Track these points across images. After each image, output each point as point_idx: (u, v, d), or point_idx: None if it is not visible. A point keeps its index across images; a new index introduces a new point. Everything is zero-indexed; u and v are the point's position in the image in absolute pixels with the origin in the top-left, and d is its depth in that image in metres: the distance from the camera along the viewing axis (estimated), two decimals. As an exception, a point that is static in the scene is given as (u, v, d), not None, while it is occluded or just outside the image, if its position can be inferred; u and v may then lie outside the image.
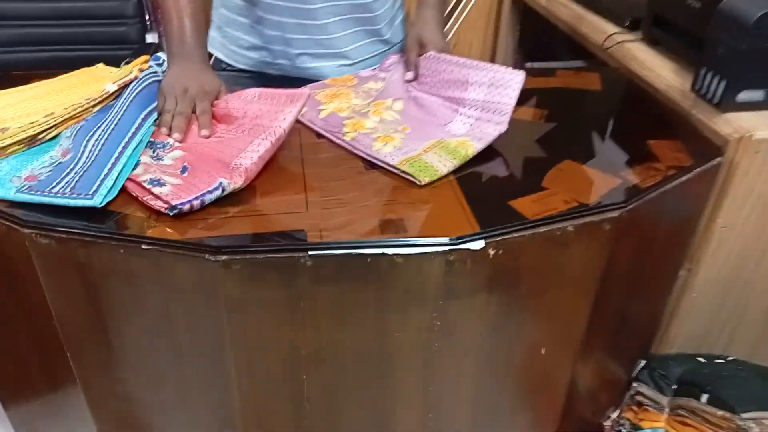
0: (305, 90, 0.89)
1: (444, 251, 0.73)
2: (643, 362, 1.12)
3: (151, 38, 1.73)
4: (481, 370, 0.88)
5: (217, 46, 1.18)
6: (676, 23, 1.16)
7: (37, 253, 0.76)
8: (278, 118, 0.86)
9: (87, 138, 0.85)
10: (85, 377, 0.88)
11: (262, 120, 0.87)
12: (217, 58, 1.19)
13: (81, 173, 0.79)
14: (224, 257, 0.71)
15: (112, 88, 0.93)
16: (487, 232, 0.74)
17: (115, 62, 1.68)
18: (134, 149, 0.82)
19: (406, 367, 0.84)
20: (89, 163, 0.81)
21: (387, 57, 1.15)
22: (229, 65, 1.18)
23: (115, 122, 0.86)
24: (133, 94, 0.90)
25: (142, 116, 0.87)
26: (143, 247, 0.72)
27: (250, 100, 0.91)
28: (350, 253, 0.72)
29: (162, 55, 0.98)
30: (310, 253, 0.71)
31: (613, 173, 0.87)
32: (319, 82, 1.10)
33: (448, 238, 0.73)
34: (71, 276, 0.77)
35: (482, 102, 0.94)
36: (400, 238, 0.73)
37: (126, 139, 0.83)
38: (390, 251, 0.72)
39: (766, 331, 1.15)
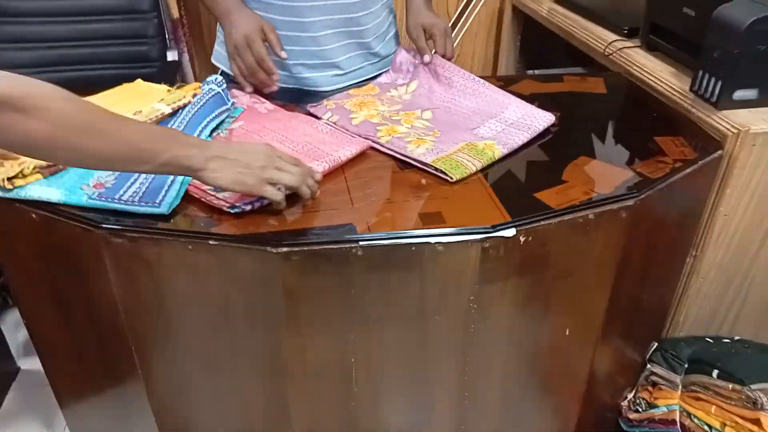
0: (366, 143, 1.00)
1: (480, 239, 0.81)
2: (655, 344, 1.20)
3: (171, 56, 1.81)
4: (511, 351, 0.96)
5: (222, 59, 1.26)
6: (673, 30, 1.25)
7: (109, 252, 0.83)
8: (338, 149, 0.96)
9: None
10: (148, 370, 0.96)
11: (321, 146, 0.97)
12: (222, 71, 1.28)
13: (147, 183, 0.86)
14: (284, 249, 0.78)
15: (167, 110, 1.00)
16: (518, 221, 0.82)
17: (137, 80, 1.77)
18: None
19: (445, 349, 0.91)
20: None
21: (396, 54, 1.24)
22: (234, 77, 1.26)
23: None
24: (194, 110, 0.98)
25: (201, 127, 0.95)
26: (211, 242, 0.80)
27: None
28: (397, 243, 0.80)
29: (210, 78, 1.06)
30: (360, 243, 0.79)
31: (626, 167, 0.95)
32: (342, 93, 1.18)
33: (483, 227, 0.81)
34: (140, 272, 0.84)
35: (513, 120, 1.05)
36: (440, 228, 0.81)
37: None
38: (432, 240, 0.80)
39: (768, 312, 1.23)
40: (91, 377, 1.07)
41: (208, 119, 0.98)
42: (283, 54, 1.09)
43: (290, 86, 1.21)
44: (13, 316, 1.74)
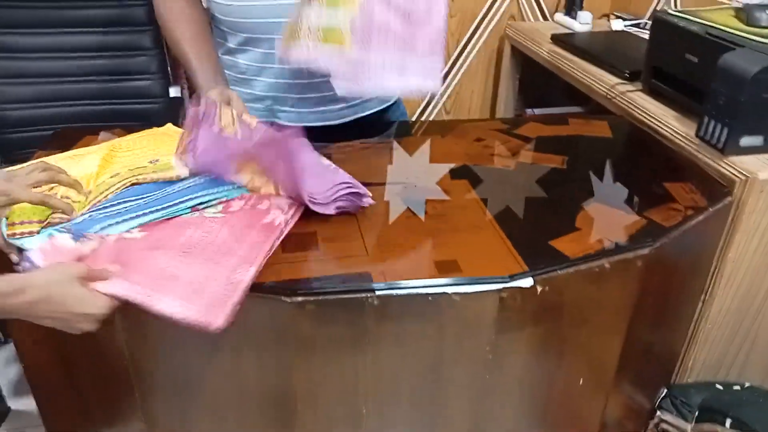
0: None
1: (497, 289, 0.80)
2: (665, 391, 1.18)
3: (174, 92, 1.81)
4: (524, 399, 0.94)
5: None
6: (676, 76, 1.27)
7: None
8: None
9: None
10: (151, 415, 0.93)
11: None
12: None
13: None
14: (300, 298, 0.77)
15: (184, 173, 0.96)
16: (535, 271, 0.82)
17: (140, 116, 1.77)
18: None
19: (458, 399, 0.90)
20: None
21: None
22: None
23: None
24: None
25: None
26: (223, 291, 0.78)
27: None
28: (414, 293, 0.79)
29: None
30: (377, 293, 0.78)
31: (638, 214, 0.95)
32: None
33: (500, 277, 0.80)
34: (148, 318, 0.82)
35: None
36: (457, 277, 0.80)
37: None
38: (449, 290, 0.79)
39: (777, 357, 1.23)
40: (90, 420, 1.04)
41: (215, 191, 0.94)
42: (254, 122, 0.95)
43: (293, 124, 1.21)
44: (4, 352, 1.70)
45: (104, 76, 1.76)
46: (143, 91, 1.77)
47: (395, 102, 1.32)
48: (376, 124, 1.29)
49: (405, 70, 0.98)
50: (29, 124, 1.74)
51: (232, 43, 1.16)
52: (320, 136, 1.16)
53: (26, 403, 1.10)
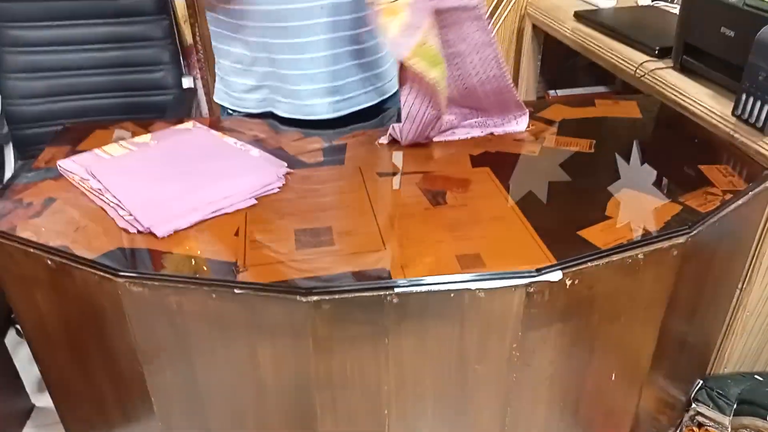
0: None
1: (524, 284, 0.76)
2: (700, 383, 1.13)
3: (187, 83, 1.78)
4: (554, 398, 0.90)
5: (222, 96, 1.22)
6: (710, 52, 1.20)
7: (129, 300, 0.79)
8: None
9: None
10: (167, 419, 0.91)
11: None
12: (222, 107, 1.24)
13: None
14: (315, 298, 0.73)
15: None
16: (564, 263, 0.77)
17: (153, 107, 1.74)
18: None
19: (485, 399, 0.86)
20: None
21: None
22: (235, 111, 1.22)
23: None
24: None
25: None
26: (236, 291, 0.75)
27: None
28: (435, 290, 0.75)
29: None
30: (396, 290, 0.74)
31: (672, 199, 0.90)
32: None
33: (527, 271, 0.76)
34: (161, 322, 0.80)
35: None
36: (480, 272, 0.76)
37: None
38: (473, 286, 0.75)
39: (819, 346, 1.17)
40: (108, 424, 1.02)
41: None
42: None
43: (289, 116, 1.17)
44: (27, 350, 1.70)
45: (116, 67, 1.74)
46: (156, 82, 1.75)
47: (394, 93, 1.26)
48: (378, 114, 1.23)
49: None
50: (43, 118, 1.73)
51: (225, 31, 1.12)
52: (320, 128, 1.12)
53: (49, 401, 1.10)
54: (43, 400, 1.54)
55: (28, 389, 1.54)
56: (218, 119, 1.22)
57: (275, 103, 1.17)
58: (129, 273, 0.77)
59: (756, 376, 1.11)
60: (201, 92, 1.88)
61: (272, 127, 1.16)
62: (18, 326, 1.67)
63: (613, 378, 0.92)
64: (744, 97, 1.04)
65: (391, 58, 1.22)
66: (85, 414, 1.04)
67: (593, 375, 0.90)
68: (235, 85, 1.18)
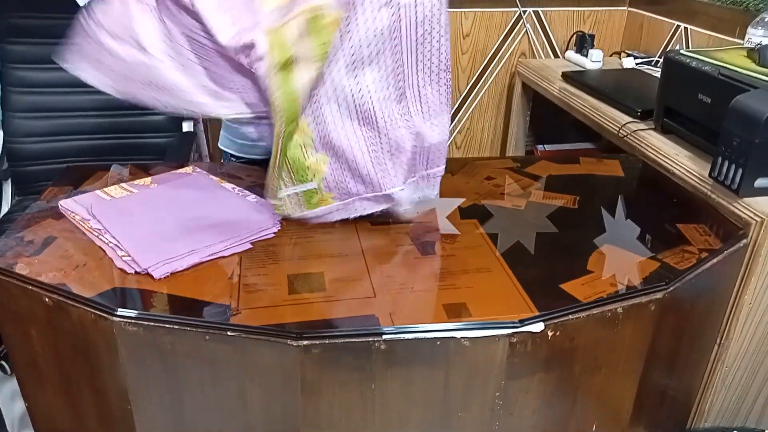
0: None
1: (507, 334, 0.78)
2: (680, 436, 1.15)
3: (187, 126, 1.83)
4: (536, 447, 0.91)
5: (227, 144, 1.28)
6: (689, 116, 1.26)
7: (123, 339, 0.80)
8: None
9: None
10: (154, 460, 0.91)
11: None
12: (225, 153, 1.28)
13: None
14: (305, 342, 0.76)
15: None
16: (546, 315, 0.80)
17: (153, 150, 1.78)
18: None
19: (467, 446, 0.87)
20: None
21: None
22: (240, 158, 1.27)
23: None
24: None
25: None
26: (228, 333, 0.77)
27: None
28: (422, 337, 0.77)
29: None
30: (384, 337, 0.77)
31: (651, 256, 0.94)
32: None
33: (510, 322, 0.79)
34: (154, 361, 0.81)
35: None
36: (465, 321, 0.79)
37: None
38: (459, 334, 0.77)
39: (796, 403, 1.19)
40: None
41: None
42: None
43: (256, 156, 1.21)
44: (10, 386, 1.69)
45: (118, 110, 1.78)
46: (156, 125, 1.79)
47: None
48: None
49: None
50: (44, 157, 1.76)
51: None
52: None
53: (31, 440, 1.10)
54: (24, 439, 1.52)
55: (8, 426, 1.53)
56: (217, 165, 1.26)
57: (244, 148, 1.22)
58: (125, 313, 0.79)
59: (735, 431, 1.13)
60: (201, 135, 1.92)
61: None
62: (3, 362, 1.67)
63: (594, 429, 0.93)
64: (720, 160, 1.10)
65: None
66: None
67: (574, 425, 0.92)
68: (243, 135, 1.22)
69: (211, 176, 1.14)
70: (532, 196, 1.13)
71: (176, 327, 0.78)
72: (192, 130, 1.83)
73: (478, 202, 1.10)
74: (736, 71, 1.14)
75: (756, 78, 1.11)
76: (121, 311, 0.79)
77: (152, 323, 0.79)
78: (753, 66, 1.16)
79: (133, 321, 0.79)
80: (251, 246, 0.94)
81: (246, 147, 1.24)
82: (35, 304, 0.85)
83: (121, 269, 0.87)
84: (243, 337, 0.77)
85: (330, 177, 0.96)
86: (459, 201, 1.09)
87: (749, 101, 1.04)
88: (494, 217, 1.05)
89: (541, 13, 2.04)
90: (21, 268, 0.87)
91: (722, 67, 1.17)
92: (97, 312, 0.80)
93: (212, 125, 1.95)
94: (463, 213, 1.06)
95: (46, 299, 0.84)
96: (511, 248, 0.95)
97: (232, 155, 1.27)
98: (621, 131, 1.40)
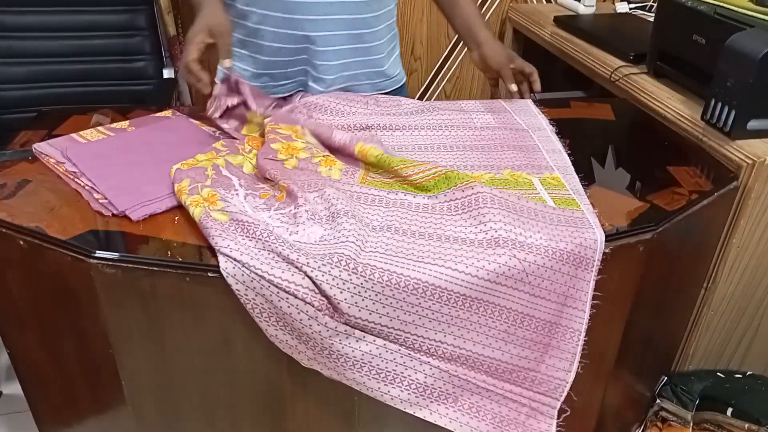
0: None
1: (493, 274, 0.77)
2: (665, 379, 1.16)
3: (167, 73, 1.77)
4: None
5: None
6: (682, 58, 1.23)
7: (101, 283, 0.79)
8: None
9: None
10: (138, 405, 0.90)
11: None
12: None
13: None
14: (288, 283, 0.74)
15: None
16: (533, 255, 0.79)
17: (133, 97, 1.73)
18: None
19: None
20: None
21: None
22: None
23: None
24: None
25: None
26: (209, 274, 0.75)
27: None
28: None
29: None
30: (368, 277, 0.75)
31: (641, 198, 0.92)
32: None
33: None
34: (134, 305, 0.80)
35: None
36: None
37: None
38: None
39: (779, 346, 1.20)
40: (77, 409, 1.02)
41: None
42: (227, 63, 0.98)
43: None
44: (-4, 338, 1.68)
45: (98, 56, 1.72)
46: (137, 72, 1.74)
47: (400, 86, 1.28)
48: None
49: None
50: (21, 104, 1.71)
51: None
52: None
53: (18, 388, 1.09)
54: (11, 387, 1.53)
55: (-4, 376, 1.53)
56: (197, 108, 1.22)
57: (276, 89, 1.18)
58: (102, 254, 0.77)
59: (718, 374, 1.15)
60: (184, 84, 1.87)
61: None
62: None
63: (579, 371, 0.94)
64: (713, 102, 1.07)
65: (393, 55, 1.25)
66: (54, 400, 1.04)
67: (560, 367, 0.92)
68: (240, 70, 1.17)
69: (191, 119, 1.10)
70: (522, 139, 1.11)
71: (155, 269, 0.76)
72: (173, 77, 1.78)
73: (466, 146, 1.08)
74: (733, 10, 1.11)
75: (753, 17, 1.07)
76: (99, 253, 0.77)
77: (131, 265, 0.77)
78: (750, 5, 1.12)
79: (111, 263, 0.77)
80: (233, 189, 0.92)
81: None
82: (11, 248, 0.83)
83: (97, 212, 0.85)
84: (223, 278, 0.75)
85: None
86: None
87: (744, 40, 1.01)
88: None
89: (533, -45, 1.97)
90: (-6, 211, 0.85)
91: (718, 6, 1.14)
92: (74, 254, 0.78)
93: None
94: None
95: (21, 242, 0.81)
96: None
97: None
98: (613, 75, 1.37)
